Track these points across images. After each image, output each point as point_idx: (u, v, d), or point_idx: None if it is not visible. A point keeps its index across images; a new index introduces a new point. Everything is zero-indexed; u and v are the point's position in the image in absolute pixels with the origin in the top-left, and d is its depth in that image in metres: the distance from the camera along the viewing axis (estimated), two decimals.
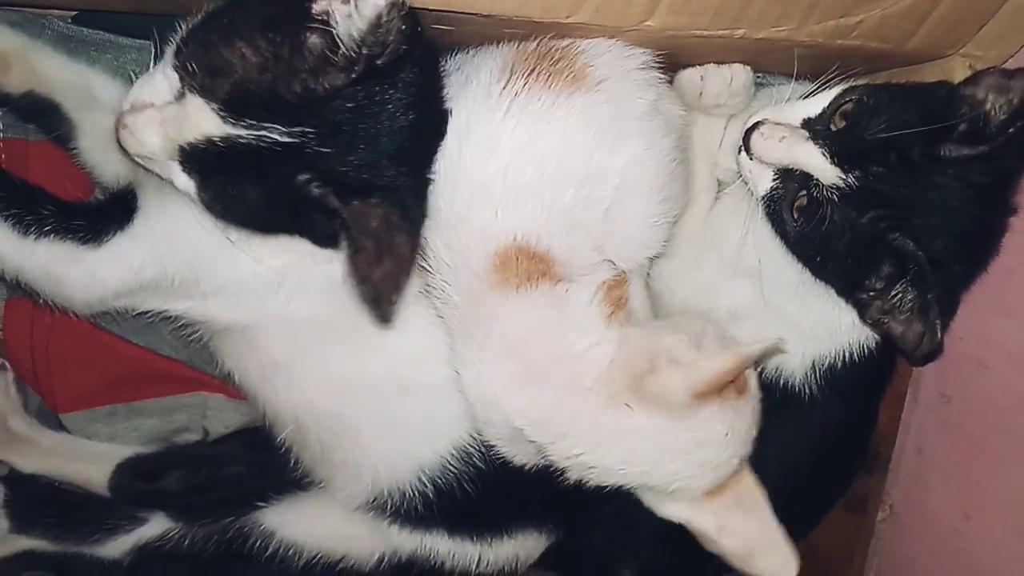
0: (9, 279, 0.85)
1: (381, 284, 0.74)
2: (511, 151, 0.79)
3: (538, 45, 0.83)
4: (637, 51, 0.85)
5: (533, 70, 0.80)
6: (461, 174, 0.80)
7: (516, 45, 0.83)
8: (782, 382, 0.99)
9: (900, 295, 0.86)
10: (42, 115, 0.94)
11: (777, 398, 0.99)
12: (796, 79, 0.97)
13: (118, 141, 0.76)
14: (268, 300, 0.86)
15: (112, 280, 0.84)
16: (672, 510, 0.86)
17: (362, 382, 0.91)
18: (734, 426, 0.81)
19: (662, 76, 0.89)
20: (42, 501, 1.00)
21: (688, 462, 0.81)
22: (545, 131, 0.79)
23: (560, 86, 0.79)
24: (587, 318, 0.82)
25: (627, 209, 0.85)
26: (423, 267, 0.85)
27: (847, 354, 0.98)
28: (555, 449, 0.81)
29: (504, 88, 0.79)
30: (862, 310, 0.89)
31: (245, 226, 0.79)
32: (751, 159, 0.90)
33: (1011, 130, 0.81)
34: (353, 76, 0.71)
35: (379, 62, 0.71)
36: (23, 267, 0.84)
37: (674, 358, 0.78)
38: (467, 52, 0.87)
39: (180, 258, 0.84)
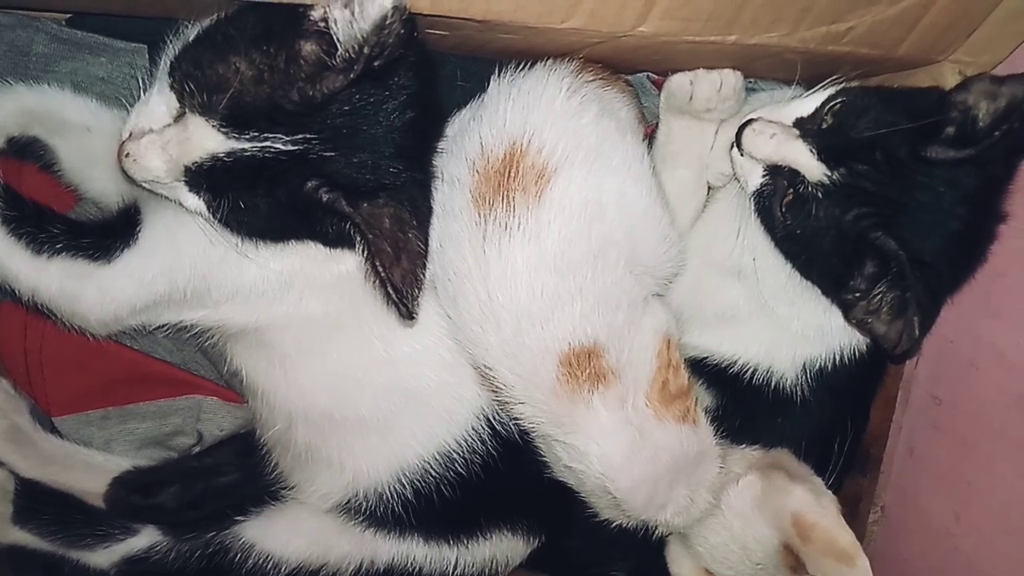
0: (26, 300, 0.86)
1: (401, 284, 0.76)
2: (528, 271, 0.82)
3: (488, 163, 0.85)
4: (561, 81, 0.87)
5: (504, 194, 0.83)
6: (500, 309, 0.83)
7: (472, 171, 0.85)
8: (773, 383, 1.00)
9: (882, 294, 0.87)
10: (25, 148, 0.94)
11: (769, 400, 1.00)
12: (788, 84, 0.98)
13: (123, 170, 0.76)
14: (280, 301, 0.87)
15: (125, 295, 0.85)
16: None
17: (362, 380, 0.92)
18: None
19: (590, 79, 0.91)
20: (44, 497, 1.01)
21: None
22: (546, 237, 0.82)
23: (534, 191, 0.83)
24: (661, 425, 0.87)
25: (643, 232, 0.88)
26: (495, 394, 0.88)
27: (838, 356, 0.99)
28: (662, 524, 0.91)
29: (490, 224, 0.83)
30: (847, 310, 0.90)
31: (260, 237, 0.80)
32: (742, 155, 0.91)
33: (996, 133, 0.82)
34: (351, 77, 0.71)
35: (376, 63, 0.72)
36: (38, 286, 0.84)
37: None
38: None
39: (188, 269, 0.84)
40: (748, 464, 0.98)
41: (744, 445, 1.00)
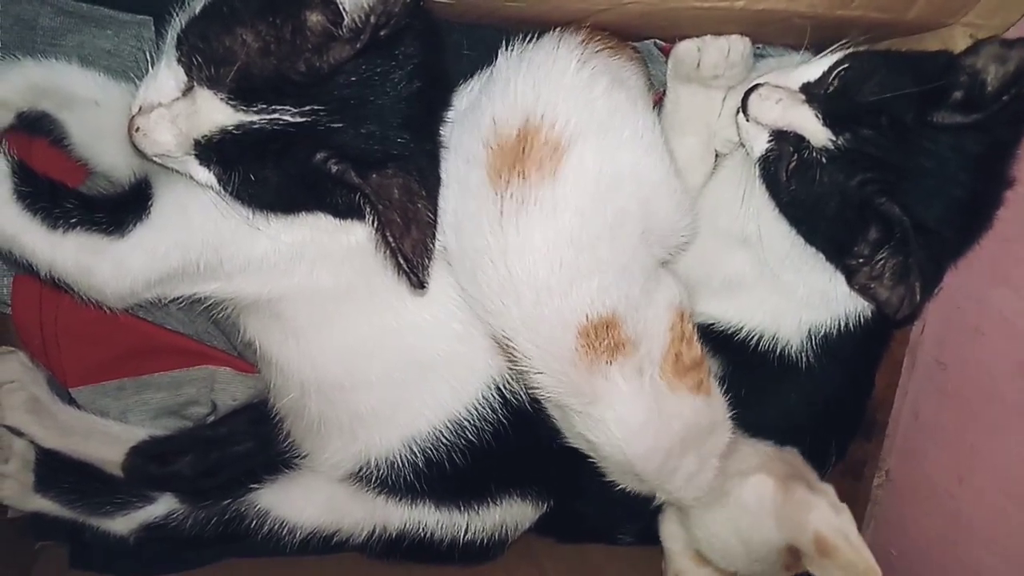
0: (43, 275, 0.87)
1: (412, 253, 0.77)
2: (546, 246, 0.82)
3: (502, 140, 0.84)
4: (571, 53, 0.86)
5: (520, 170, 0.83)
6: (519, 283, 0.83)
7: (486, 148, 0.84)
8: (779, 350, 1.01)
9: (884, 260, 0.87)
10: (34, 123, 0.95)
11: (774, 366, 1.01)
12: (797, 50, 0.97)
13: (133, 144, 0.77)
14: (292, 272, 0.87)
15: (139, 269, 0.86)
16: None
17: (373, 350, 0.93)
18: None
19: (598, 48, 0.90)
20: (64, 466, 1.03)
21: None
22: (562, 212, 0.82)
23: (549, 167, 0.82)
24: (675, 395, 0.89)
25: (658, 202, 0.88)
26: (513, 365, 0.89)
27: (843, 322, 0.99)
28: (672, 490, 0.94)
29: (506, 200, 0.83)
30: (850, 275, 0.90)
31: (270, 209, 0.81)
32: (747, 120, 0.91)
33: (1005, 98, 0.81)
34: (358, 47, 0.72)
35: (383, 33, 0.72)
36: (55, 261, 0.85)
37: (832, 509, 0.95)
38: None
39: (200, 242, 0.85)
40: (760, 460, 0.99)
41: (757, 439, 1.01)
